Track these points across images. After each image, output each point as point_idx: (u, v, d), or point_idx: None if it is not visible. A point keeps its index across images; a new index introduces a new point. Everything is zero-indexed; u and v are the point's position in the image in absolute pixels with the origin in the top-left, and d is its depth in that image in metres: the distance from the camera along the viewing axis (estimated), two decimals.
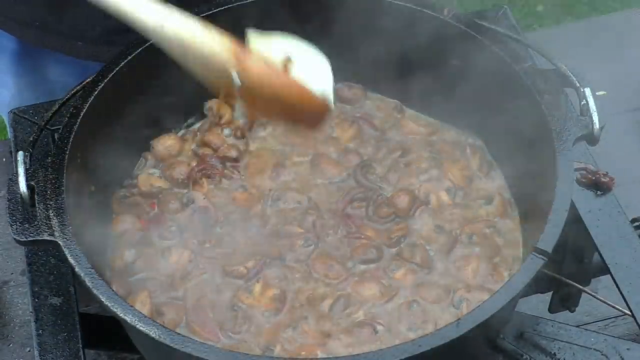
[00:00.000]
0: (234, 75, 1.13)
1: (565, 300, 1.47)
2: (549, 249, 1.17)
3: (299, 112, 1.17)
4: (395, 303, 1.29)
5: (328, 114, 1.20)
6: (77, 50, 1.62)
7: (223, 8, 1.43)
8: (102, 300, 1.14)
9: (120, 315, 1.13)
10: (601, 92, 1.32)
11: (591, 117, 1.29)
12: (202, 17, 1.41)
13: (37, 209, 1.23)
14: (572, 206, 1.30)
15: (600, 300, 1.37)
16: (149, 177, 1.44)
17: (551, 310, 1.48)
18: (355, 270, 1.33)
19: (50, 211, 1.22)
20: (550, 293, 1.47)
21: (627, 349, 1.25)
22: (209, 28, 1.16)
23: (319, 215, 1.38)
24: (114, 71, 1.35)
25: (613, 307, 1.35)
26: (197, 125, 1.51)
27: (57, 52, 1.64)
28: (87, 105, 1.32)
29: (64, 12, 1.57)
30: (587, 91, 1.31)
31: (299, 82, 1.15)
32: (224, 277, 1.32)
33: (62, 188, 1.24)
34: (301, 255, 1.35)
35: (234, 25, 1.43)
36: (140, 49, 1.38)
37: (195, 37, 1.14)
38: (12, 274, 1.61)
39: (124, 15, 1.15)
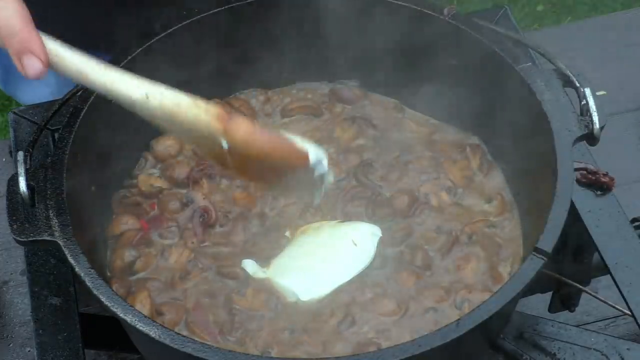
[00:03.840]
0: (223, 142, 1.14)
1: (565, 300, 1.47)
2: (549, 249, 1.17)
3: (284, 169, 1.19)
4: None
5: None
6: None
7: (223, 8, 1.43)
8: (102, 300, 1.14)
9: (120, 315, 1.13)
10: (601, 92, 1.32)
11: (591, 117, 1.29)
12: (202, 17, 1.42)
13: (37, 209, 1.23)
14: (572, 206, 1.30)
15: (600, 300, 1.37)
16: (149, 177, 1.44)
17: (551, 310, 1.48)
18: None
19: (50, 211, 1.22)
20: (550, 293, 1.47)
21: (627, 349, 1.25)
22: (194, 97, 1.17)
23: (319, 211, 1.38)
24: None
25: (613, 307, 1.34)
26: None
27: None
28: (87, 105, 1.32)
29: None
30: (587, 91, 1.31)
31: (282, 137, 1.19)
32: (221, 278, 1.32)
33: (62, 188, 1.24)
34: None
35: (234, 24, 1.45)
36: (139, 50, 1.38)
37: (179, 106, 1.15)
38: (12, 274, 1.61)
39: (107, 88, 1.14)
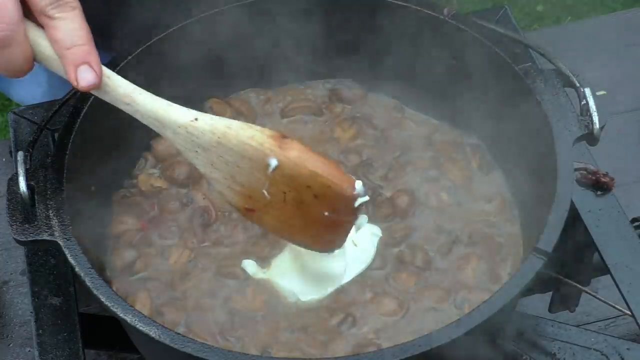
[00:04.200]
0: (272, 162, 1.13)
1: (565, 300, 1.47)
2: (549, 249, 1.17)
3: (326, 198, 1.17)
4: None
5: (350, 223, 1.21)
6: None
7: (221, 9, 1.43)
8: (102, 300, 1.14)
9: (120, 315, 1.13)
10: (601, 92, 1.32)
11: (591, 117, 1.29)
12: (201, 17, 1.42)
13: (37, 209, 1.23)
14: (572, 206, 1.30)
15: (600, 300, 1.37)
16: (149, 177, 1.44)
17: (551, 310, 1.48)
18: None
19: (50, 211, 1.22)
20: (550, 293, 1.47)
21: (627, 349, 1.25)
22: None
23: None
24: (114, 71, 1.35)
25: (613, 307, 1.34)
26: None
27: None
28: (87, 105, 1.32)
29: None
30: (587, 91, 1.31)
31: (335, 166, 1.18)
32: (221, 278, 1.32)
33: (62, 188, 1.24)
34: None
35: (233, 25, 1.45)
36: (139, 50, 1.38)
37: (231, 127, 1.14)
38: (12, 274, 1.61)
39: (153, 112, 1.15)
